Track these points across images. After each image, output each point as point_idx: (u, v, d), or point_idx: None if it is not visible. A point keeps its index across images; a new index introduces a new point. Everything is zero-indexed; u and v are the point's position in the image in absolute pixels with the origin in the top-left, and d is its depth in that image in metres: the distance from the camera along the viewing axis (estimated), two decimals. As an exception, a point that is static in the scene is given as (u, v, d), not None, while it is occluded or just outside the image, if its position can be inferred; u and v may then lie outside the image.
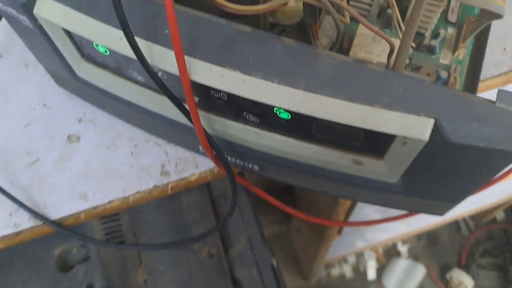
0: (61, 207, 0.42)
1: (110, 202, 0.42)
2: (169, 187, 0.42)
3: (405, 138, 0.29)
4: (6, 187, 0.42)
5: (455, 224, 1.53)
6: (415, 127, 0.27)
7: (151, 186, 0.42)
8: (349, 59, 0.30)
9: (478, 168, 0.30)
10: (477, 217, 1.48)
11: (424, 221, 1.39)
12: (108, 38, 0.30)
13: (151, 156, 0.43)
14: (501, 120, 0.27)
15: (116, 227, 0.53)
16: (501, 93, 0.28)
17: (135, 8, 0.29)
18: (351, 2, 0.41)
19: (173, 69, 0.29)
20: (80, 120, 0.44)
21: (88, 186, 0.42)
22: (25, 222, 0.41)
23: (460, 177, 0.32)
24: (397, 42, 0.36)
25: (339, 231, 0.98)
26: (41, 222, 0.41)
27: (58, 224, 0.41)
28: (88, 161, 0.43)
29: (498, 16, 0.35)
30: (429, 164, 0.31)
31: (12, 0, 0.31)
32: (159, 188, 0.42)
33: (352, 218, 0.84)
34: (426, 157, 0.30)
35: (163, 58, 0.29)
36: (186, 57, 0.28)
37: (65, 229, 0.41)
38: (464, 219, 1.52)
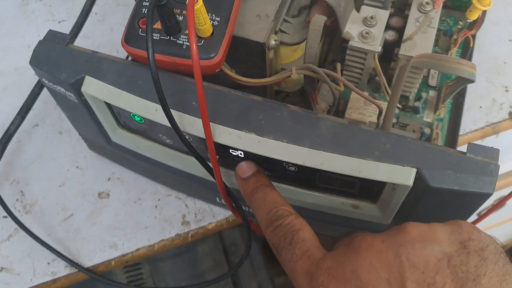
0: (93, 256, 0.47)
1: (137, 250, 0.47)
2: (190, 235, 0.48)
3: (393, 184, 0.35)
4: (44, 239, 0.47)
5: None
6: (401, 175, 0.33)
7: (173, 234, 0.48)
8: (345, 120, 0.36)
9: (456, 208, 0.36)
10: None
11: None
12: (145, 109, 0.36)
13: (172, 208, 0.49)
14: (470, 167, 0.33)
15: (138, 275, 0.58)
16: (470, 145, 0.34)
17: (167, 85, 0.36)
18: (344, 72, 0.48)
19: (200, 133, 0.35)
20: (109, 179, 0.50)
21: (118, 236, 0.48)
22: (62, 270, 0.46)
23: (442, 216, 0.38)
24: (384, 105, 0.42)
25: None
26: (76, 270, 0.46)
27: (91, 271, 0.46)
28: (117, 215, 0.49)
29: (471, 81, 0.42)
30: (415, 206, 0.37)
31: (61, 80, 0.38)
32: (181, 236, 0.48)
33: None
34: (412, 200, 0.36)
35: (191, 125, 0.35)
36: (210, 123, 0.35)
37: (97, 275, 0.46)
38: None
